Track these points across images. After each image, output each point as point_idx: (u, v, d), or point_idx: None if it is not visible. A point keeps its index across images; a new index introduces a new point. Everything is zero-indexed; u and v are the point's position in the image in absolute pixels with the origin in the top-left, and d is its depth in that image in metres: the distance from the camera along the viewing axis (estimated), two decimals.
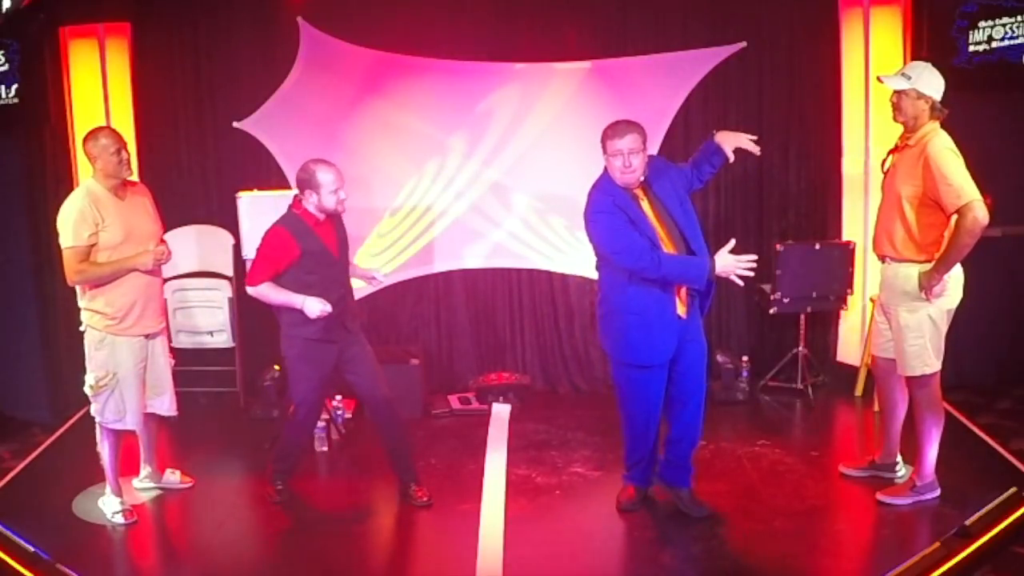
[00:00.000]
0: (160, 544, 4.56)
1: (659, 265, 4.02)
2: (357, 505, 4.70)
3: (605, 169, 4.21)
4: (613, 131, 4.09)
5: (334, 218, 4.44)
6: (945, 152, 4.02)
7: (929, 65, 4.21)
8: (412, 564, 4.37)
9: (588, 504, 4.68)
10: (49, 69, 5.77)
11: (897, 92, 4.14)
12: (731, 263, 4.01)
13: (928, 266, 4.13)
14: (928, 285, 4.12)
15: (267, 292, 4.34)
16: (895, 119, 4.20)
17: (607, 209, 4.09)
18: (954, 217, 4.03)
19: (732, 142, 4.23)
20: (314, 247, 4.33)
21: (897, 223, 4.17)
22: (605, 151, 4.11)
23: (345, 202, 4.36)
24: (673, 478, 4.48)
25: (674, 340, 4.20)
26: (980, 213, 3.95)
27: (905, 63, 5.49)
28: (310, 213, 4.33)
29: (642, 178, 4.14)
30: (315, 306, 4.25)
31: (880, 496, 4.43)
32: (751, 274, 4.06)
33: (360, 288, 4.70)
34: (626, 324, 4.19)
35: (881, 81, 4.23)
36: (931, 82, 4.12)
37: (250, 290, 4.36)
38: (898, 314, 4.25)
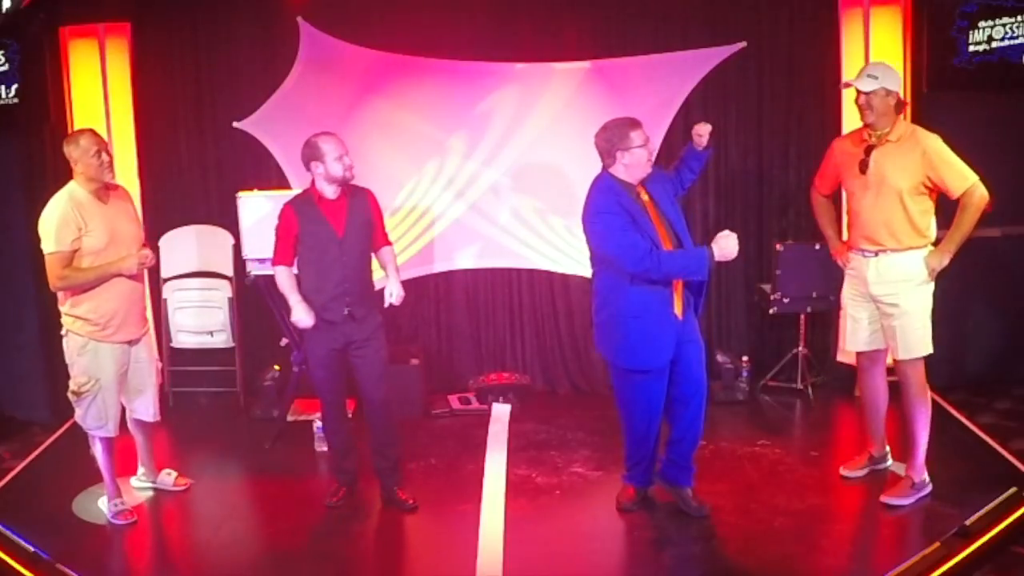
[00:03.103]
0: (160, 544, 4.57)
1: (660, 264, 4.03)
2: (357, 505, 4.69)
3: (604, 170, 4.22)
4: (628, 125, 4.15)
5: (351, 196, 4.42)
6: (940, 141, 4.24)
7: (886, 63, 4.44)
8: (412, 564, 4.38)
9: (588, 504, 4.68)
10: (49, 69, 5.77)
11: (866, 94, 4.26)
12: (725, 244, 4.03)
13: (927, 250, 4.31)
14: (940, 265, 4.28)
15: (280, 278, 4.46)
16: (866, 119, 4.32)
17: (611, 209, 4.10)
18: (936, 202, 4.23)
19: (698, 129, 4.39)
20: (314, 224, 4.36)
21: (898, 214, 4.27)
22: (627, 146, 4.12)
23: (353, 168, 4.37)
24: (675, 477, 4.49)
25: (673, 342, 4.21)
26: (984, 190, 4.18)
27: (905, 63, 5.52)
28: (317, 190, 4.38)
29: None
30: (299, 314, 4.38)
31: (885, 499, 4.43)
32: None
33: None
34: (627, 329, 4.19)
35: (850, 85, 4.37)
36: (894, 78, 4.31)
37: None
38: (903, 300, 4.32)
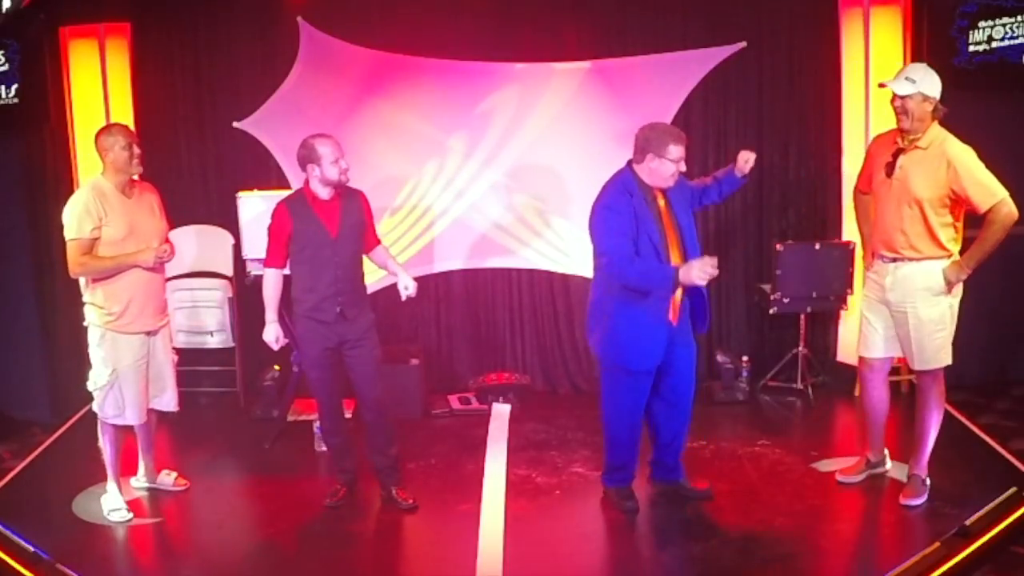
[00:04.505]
0: (160, 544, 4.56)
1: (626, 272, 4.06)
2: (357, 505, 4.69)
3: (628, 165, 4.23)
4: (673, 137, 4.15)
5: (344, 198, 4.42)
6: (969, 153, 4.10)
7: (926, 66, 4.25)
8: (412, 564, 4.38)
9: (588, 504, 4.68)
10: (49, 69, 5.77)
11: (902, 96, 4.15)
12: (695, 273, 3.90)
13: (946, 262, 4.21)
14: (959, 279, 4.21)
15: (266, 285, 4.48)
16: (901, 124, 4.20)
17: (618, 208, 4.12)
18: (963, 213, 4.14)
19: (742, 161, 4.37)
20: (308, 224, 4.35)
21: (918, 224, 4.19)
22: (660, 154, 4.11)
23: (348, 171, 4.36)
24: (667, 476, 4.60)
25: (663, 346, 4.24)
26: (1012, 207, 4.07)
27: (905, 63, 5.51)
28: (311, 190, 4.38)
29: None
30: (269, 335, 4.47)
31: (903, 501, 4.41)
32: (714, 272, 3.93)
33: (369, 284, 4.70)
34: (618, 325, 4.23)
35: (885, 86, 4.23)
36: (933, 83, 4.16)
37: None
38: (917, 310, 4.27)
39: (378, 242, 4.66)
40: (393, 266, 4.62)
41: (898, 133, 4.26)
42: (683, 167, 4.17)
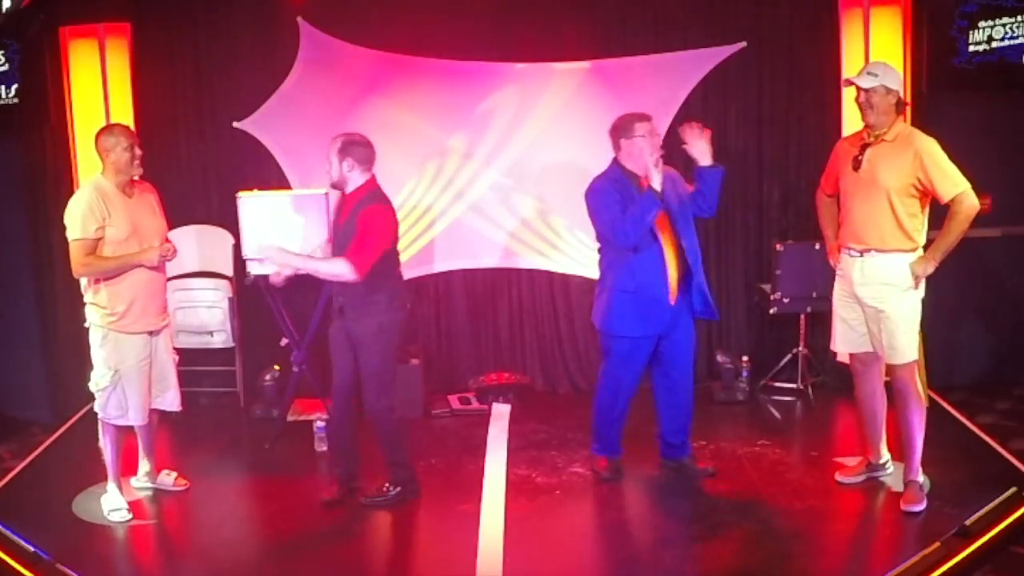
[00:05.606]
0: (160, 544, 4.57)
1: (618, 224, 4.32)
2: (357, 505, 4.69)
3: (614, 161, 4.49)
4: (637, 118, 4.47)
5: (356, 200, 4.47)
6: (936, 145, 4.21)
7: (886, 61, 4.44)
8: (412, 564, 4.38)
9: (588, 504, 4.69)
10: (49, 69, 5.77)
11: (865, 91, 4.24)
12: (648, 160, 4.30)
13: (914, 255, 4.26)
14: (925, 273, 4.25)
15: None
16: (866, 119, 4.30)
17: (604, 190, 4.45)
18: (928, 207, 4.22)
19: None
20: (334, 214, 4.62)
21: (886, 215, 4.24)
22: (632, 134, 4.40)
23: (331, 174, 4.50)
24: (674, 454, 4.84)
25: (658, 321, 4.49)
26: (974, 199, 4.16)
27: (905, 63, 5.52)
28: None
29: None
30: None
31: (903, 506, 4.38)
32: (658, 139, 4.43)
33: None
34: (616, 300, 4.51)
35: (850, 83, 4.33)
36: (895, 77, 4.29)
37: None
38: (888, 305, 4.29)
39: (344, 256, 4.31)
40: (313, 257, 4.66)
41: (864, 131, 4.36)
42: (657, 141, 4.41)
